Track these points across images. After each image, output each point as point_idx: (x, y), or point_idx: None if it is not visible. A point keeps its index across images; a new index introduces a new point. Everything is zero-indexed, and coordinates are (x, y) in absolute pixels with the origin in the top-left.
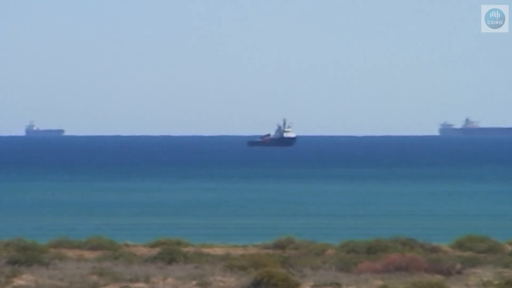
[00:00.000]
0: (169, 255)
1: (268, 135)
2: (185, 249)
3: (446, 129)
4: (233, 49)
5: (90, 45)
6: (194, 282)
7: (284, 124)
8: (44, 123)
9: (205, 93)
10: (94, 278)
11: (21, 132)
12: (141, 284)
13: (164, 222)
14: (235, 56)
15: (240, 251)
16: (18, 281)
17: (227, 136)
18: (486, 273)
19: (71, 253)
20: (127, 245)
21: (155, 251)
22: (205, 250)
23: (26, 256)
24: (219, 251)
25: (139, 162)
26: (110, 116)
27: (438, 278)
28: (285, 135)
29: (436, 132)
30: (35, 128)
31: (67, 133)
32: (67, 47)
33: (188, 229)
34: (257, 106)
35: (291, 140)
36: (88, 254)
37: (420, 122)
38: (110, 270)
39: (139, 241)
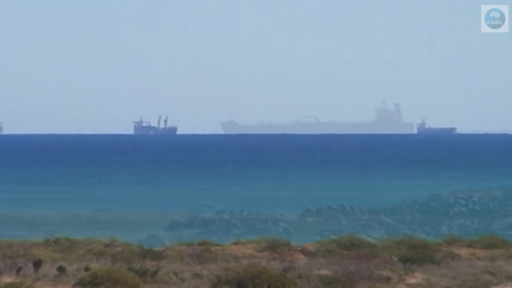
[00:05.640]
0: None
1: None
2: None
3: None
4: None
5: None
6: None
7: None
8: (436, 121)
9: None
10: (486, 277)
11: (413, 130)
12: None
13: None
14: None
15: None
16: (410, 280)
17: None
18: None
19: (463, 251)
20: None
21: None
22: None
23: (418, 254)
24: None
25: None
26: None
27: None
28: None
29: None
30: (427, 126)
31: (458, 131)
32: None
33: None
34: None
35: None
36: (480, 252)
37: None
38: (503, 268)
39: None
